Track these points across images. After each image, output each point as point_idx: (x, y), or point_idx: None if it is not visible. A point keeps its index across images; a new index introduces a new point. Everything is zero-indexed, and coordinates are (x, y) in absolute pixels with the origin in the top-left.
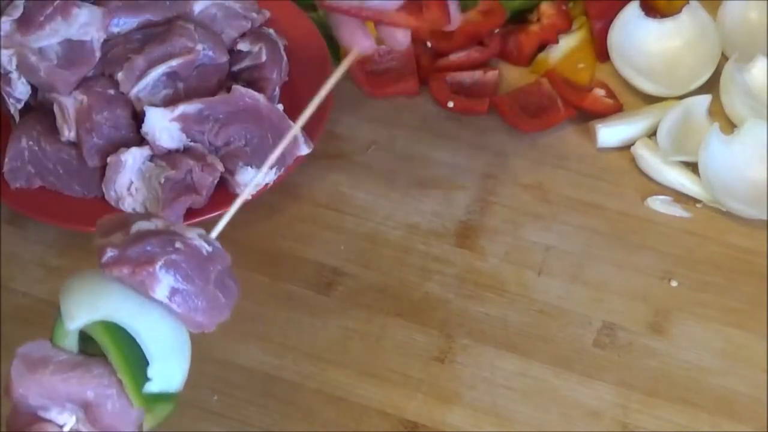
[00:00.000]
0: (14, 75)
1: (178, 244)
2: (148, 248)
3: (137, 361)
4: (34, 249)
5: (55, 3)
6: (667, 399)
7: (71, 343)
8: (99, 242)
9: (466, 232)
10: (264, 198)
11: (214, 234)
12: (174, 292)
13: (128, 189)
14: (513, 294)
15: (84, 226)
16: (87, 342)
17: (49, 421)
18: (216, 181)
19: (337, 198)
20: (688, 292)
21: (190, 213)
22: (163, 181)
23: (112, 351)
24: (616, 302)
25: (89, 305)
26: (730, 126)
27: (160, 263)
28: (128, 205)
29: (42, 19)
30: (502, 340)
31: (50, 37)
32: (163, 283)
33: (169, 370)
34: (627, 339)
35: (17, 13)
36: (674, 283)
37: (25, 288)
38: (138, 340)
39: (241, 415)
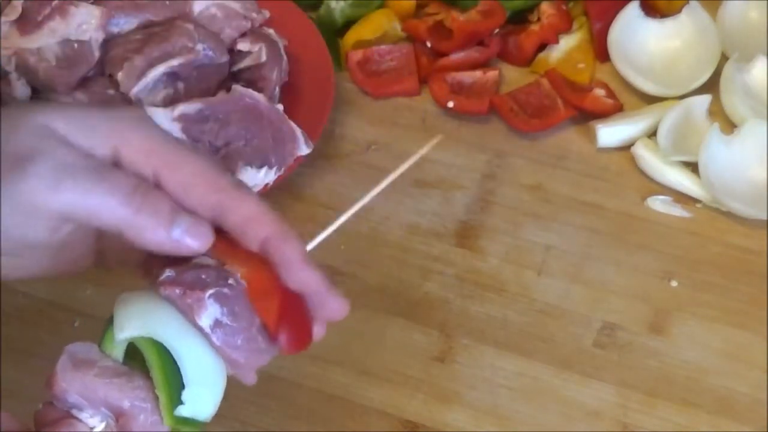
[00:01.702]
0: (13, 76)
1: (231, 281)
2: (203, 276)
3: (175, 383)
4: None
5: (53, 3)
6: (667, 399)
7: (118, 353)
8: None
9: (466, 232)
10: (264, 198)
11: None
12: (217, 324)
13: None
14: (513, 294)
15: None
16: (131, 358)
17: (81, 421)
18: None
19: (337, 198)
20: (688, 292)
21: None
22: None
23: (155, 367)
24: (616, 302)
25: (140, 319)
26: (730, 126)
27: (210, 292)
28: None
29: (40, 19)
30: (502, 340)
31: (48, 37)
32: (209, 312)
33: (202, 397)
34: (627, 339)
35: (15, 13)
36: (674, 283)
37: (25, 288)
38: (178, 362)
39: (241, 415)
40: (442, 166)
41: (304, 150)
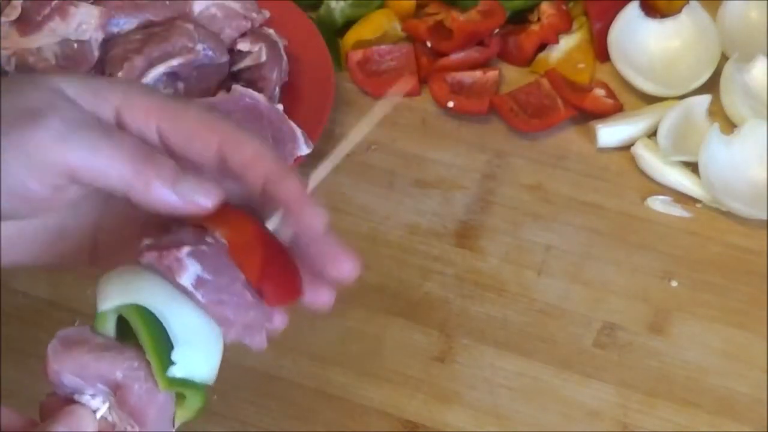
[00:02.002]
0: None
1: (209, 239)
2: (180, 238)
3: (165, 346)
4: None
5: (53, 3)
6: (667, 399)
7: (109, 329)
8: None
9: (466, 232)
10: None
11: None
12: (199, 281)
13: None
14: (513, 294)
15: None
16: (126, 331)
17: (83, 405)
18: None
19: (337, 198)
20: (688, 292)
21: None
22: None
23: (142, 333)
24: (616, 302)
25: (121, 289)
26: (730, 126)
27: (187, 250)
28: None
29: (40, 19)
30: (502, 340)
31: (48, 37)
32: (189, 271)
33: (194, 357)
34: (627, 339)
35: (15, 13)
36: (674, 283)
37: (25, 288)
38: (164, 324)
39: (241, 415)
40: (442, 166)
41: (304, 150)
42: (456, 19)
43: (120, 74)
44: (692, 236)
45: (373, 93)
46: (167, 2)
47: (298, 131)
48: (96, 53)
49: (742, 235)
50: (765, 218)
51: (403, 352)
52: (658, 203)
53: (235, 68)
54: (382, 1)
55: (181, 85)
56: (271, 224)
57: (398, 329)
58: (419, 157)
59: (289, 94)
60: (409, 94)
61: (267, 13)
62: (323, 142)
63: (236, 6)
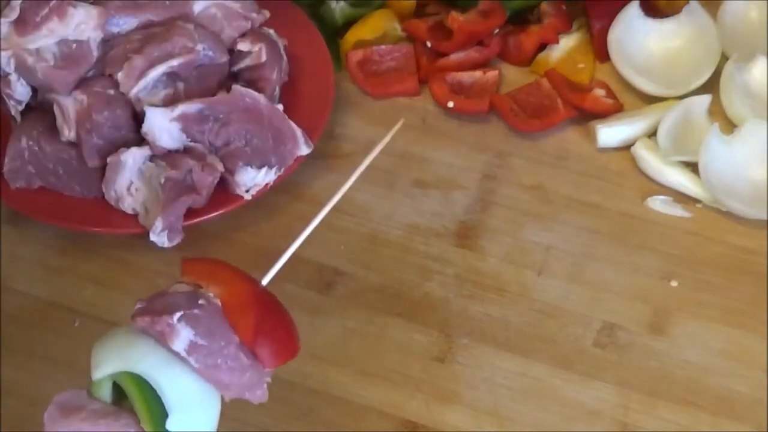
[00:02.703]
0: (13, 77)
1: (201, 301)
2: (172, 301)
3: (160, 413)
4: (34, 249)
5: (51, 3)
6: (667, 399)
7: (105, 393)
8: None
9: (466, 232)
10: (264, 198)
11: (266, 281)
12: (192, 346)
13: (128, 189)
14: (513, 294)
15: (84, 226)
16: (123, 395)
17: None
18: (216, 181)
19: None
20: (688, 292)
21: (190, 213)
22: (163, 181)
23: (137, 400)
24: (616, 302)
25: (115, 355)
26: (730, 126)
27: (178, 315)
28: (128, 205)
29: (38, 19)
30: (502, 340)
31: (46, 37)
32: (182, 336)
33: (189, 423)
34: (627, 339)
35: (14, 14)
36: (674, 283)
37: (25, 288)
38: (158, 391)
39: (241, 415)
40: (442, 166)
41: (304, 150)
42: (456, 19)
43: (120, 74)
44: (692, 236)
45: (373, 93)
46: (167, 2)
47: (298, 131)
48: (95, 53)
49: (742, 235)
50: (765, 218)
51: (403, 352)
52: (658, 203)
53: (235, 68)
54: (382, 1)
55: (181, 85)
56: None
57: (398, 329)
58: (419, 157)
59: (289, 94)
60: (409, 94)
61: (267, 13)
62: (323, 142)
63: (236, 6)
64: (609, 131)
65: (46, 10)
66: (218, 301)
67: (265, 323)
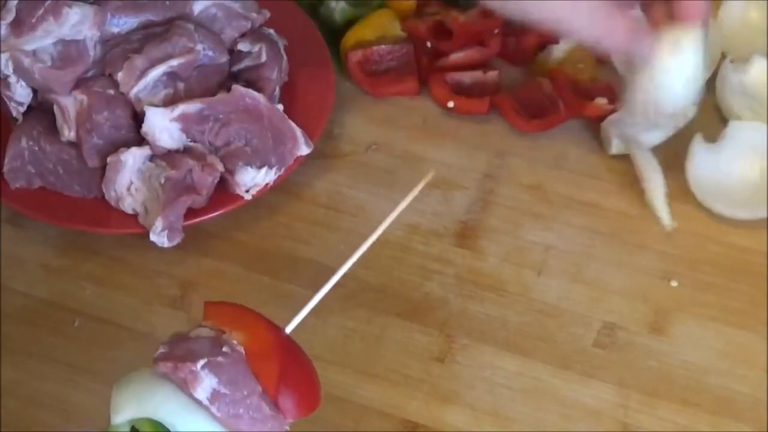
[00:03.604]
0: (13, 78)
1: (225, 349)
2: (196, 347)
3: None
4: (34, 249)
5: (46, 4)
6: (667, 399)
7: None
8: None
9: (466, 232)
10: (264, 198)
11: (289, 329)
12: (215, 395)
13: (128, 189)
14: (513, 294)
15: (84, 226)
16: None
17: None
18: (216, 181)
19: (337, 198)
20: (688, 292)
21: (190, 213)
22: (163, 181)
23: None
24: (616, 302)
25: (136, 400)
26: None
27: (202, 362)
28: (128, 205)
29: (34, 20)
30: (502, 340)
31: (43, 38)
32: (205, 384)
33: None
34: (627, 339)
35: (11, 16)
36: (674, 283)
37: (25, 288)
38: None
39: None
40: (442, 166)
41: (304, 150)
42: (456, 19)
43: (120, 74)
44: (692, 236)
45: (373, 93)
46: (167, 2)
47: (298, 131)
48: (92, 53)
49: (742, 235)
50: (763, 217)
51: (403, 352)
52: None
53: (235, 68)
54: (382, 1)
55: (181, 85)
56: None
57: (398, 329)
58: (419, 157)
59: (289, 94)
60: (409, 94)
61: (267, 13)
62: (323, 142)
63: (236, 6)
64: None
65: (41, 11)
66: (242, 349)
67: (289, 373)
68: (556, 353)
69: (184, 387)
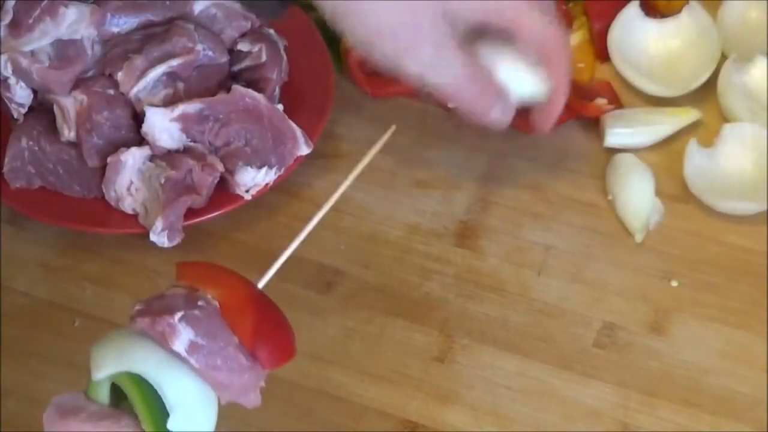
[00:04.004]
0: (12, 80)
1: (201, 303)
2: (171, 303)
3: (160, 413)
4: (34, 249)
5: (42, 4)
6: (667, 399)
7: (103, 395)
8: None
9: (466, 232)
10: (264, 198)
11: (261, 284)
12: (193, 346)
13: (128, 189)
14: (513, 294)
15: (84, 226)
16: (120, 397)
17: None
18: (216, 181)
19: (337, 198)
20: (688, 292)
21: (190, 213)
22: (163, 181)
23: (137, 401)
24: (616, 302)
25: (115, 357)
26: None
27: (179, 315)
28: (128, 205)
29: (31, 21)
30: (502, 340)
31: (41, 39)
32: (182, 336)
33: (189, 423)
34: (627, 339)
35: (8, 17)
36: (674, 283)
37: (25, 288)
38: (158, 391)
39: (241, 415)
40: (442, 166)
41: (304, 150)
42: None
43: (120, 74)
44: (692, 236)
45: (373, 93)
46: (167, 2)
47: (298, 131)
48: (89, 52)
49: (742, 235)
50: (764, 217)
51: (403, 352)
52: (659, 202)
53: (235, 68)
54: None
55: (181, 85)
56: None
57: (398, 329)
58: (419, 157)
59: (289, 94)
60: (409, 94)
61: None
62: (323, 142)
63: (236, 6)
64: (618, 137)
65: (37, 11)
66: (216, 303)
67: (263, 325)
68: (556, 353)
69: (162, 341)
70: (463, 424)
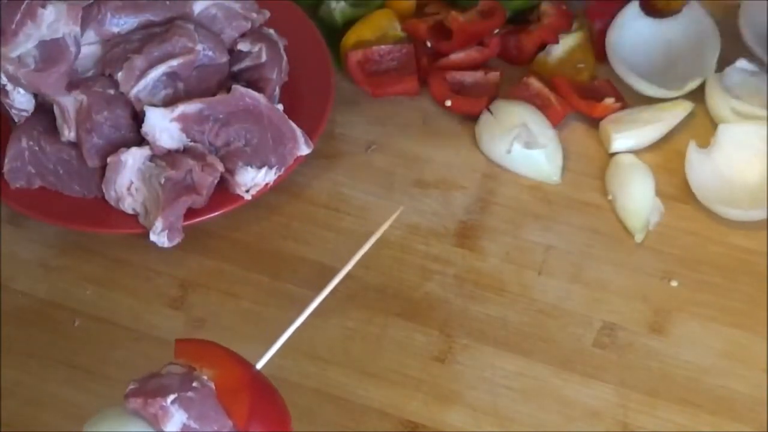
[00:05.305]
0: (9, 87)
1: (195, 384)
2: (166, 383)
3: None
4: (34, 249)
5: (22, 7)
6: (667, 399)
7: None
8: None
9: (466, 232)
10: (264, 198)
11: (260, 365)
12: (186, 430)
13: (128, 189)
14: (513, 294)
15: (84, 226)
16: None
17: None
18: (216, 181)
19: (337, 198)
20: (688, 292)
21: (190, 213)
22: (163, 181)
23: None
24: (616, 302)
25: None
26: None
27: (172, 397)
28: (128, 205)
29: (14, 27)
30: (502, 340)
31: (26, 42)
32: (175, 419)
33: None
34: (627, 339)
35: None
36: (674, 283)
37: (25, 288)
38: None
39: None
40: (442, 166)
41: (304, 150)
42: (456, 19)
43: (120, 74)
44: (692, 236)
45: (373, 93)
46: (167, 2)
47: (298, 131)
48: (73, 49)
49: (742, 235)
50: (764, 218)
51: (403, 352)
52: (659, 202)
53: (236, 68)
54: (382, 1)
55: (181, 85)
56: None
57: (398, 329)
58: (419, 157)
59: (289, 94)
60: (409, 94)
61: (267, 13)
62: (323, 142)
63: (236, 6)
64: (623, 141)
65: (18, 16)
66: (212, 384)
67: (259, 408)
68: (556, 353)
69: (155, 423)
70: (463, 424)
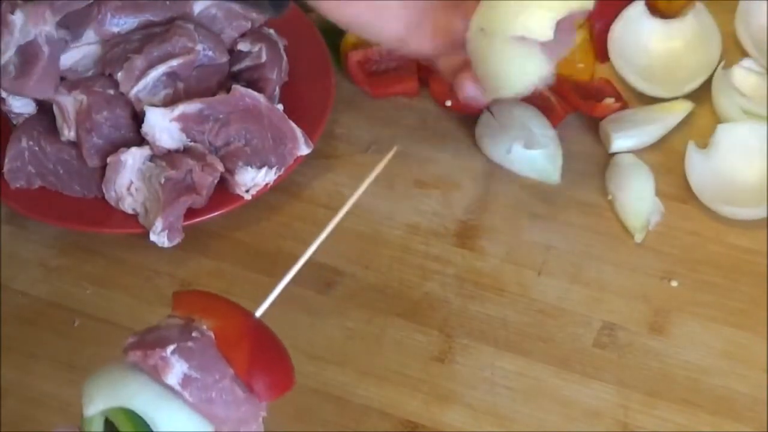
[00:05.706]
0: (4, 94)
1: (195, 334)
2: (165, 334)
3: None
4: (34, 249)
5: None
6: (667, 399)
7: (97, 429)
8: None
9: (466, 232)
10: (264, 198)
11: (259, 312)
12: (186, 380)
13: (128, 189)
14: (513, 294)
15: (84, 226)
16: (116, 429)
17: None
18: (216, 181)
19: (337, 198)
20: (688, 292)
21: (190, 213)
22: (163, 181)
23: None
24: (616, 302)
25: (108, 391)
26: None
27: (171, 348)
28: (128, 205)
29: None
30: (502, 340)
31: (6, 51)
32: (175, 369)
33: None
34: (627, 339)
35: None
36: (674, 283)
37: (25, 288)
38: (152, 427)
39: None
40: (442, 166)
41: (304, 150)
42: None
43: (120, 74)
44: (692, 236)
45: (373, 93)
46: (167, 2)
47: (298, 131)
48: (46, 48)
49: (743, 235)
50: (765, 218)
51: (403, 352)
52: (659, 202)
53: (235, 68)
54: None
55: (181, 85)
56: None
57: (398, 329)
58: (419, 157)
59: (289, 94)
60: (409, 94)
61: None
62: (323, 142)
63: (236, 6)
64: (623, 140)
65: None
66: (211, 334)
67: (260, 355)
68: (556, 353)
69: (155, 374)
70: (463, 424)
